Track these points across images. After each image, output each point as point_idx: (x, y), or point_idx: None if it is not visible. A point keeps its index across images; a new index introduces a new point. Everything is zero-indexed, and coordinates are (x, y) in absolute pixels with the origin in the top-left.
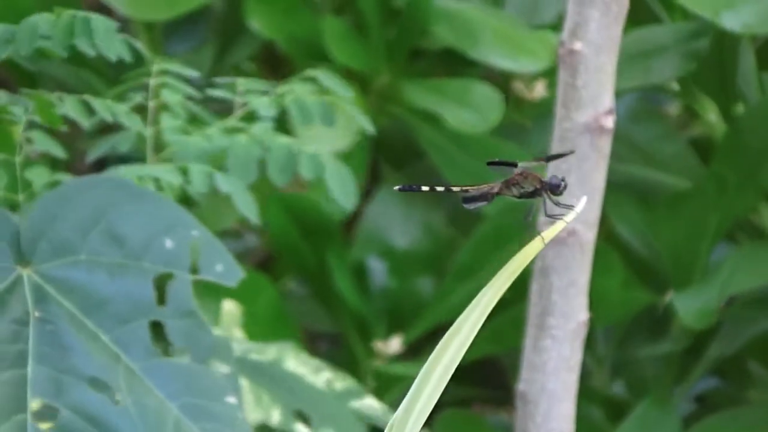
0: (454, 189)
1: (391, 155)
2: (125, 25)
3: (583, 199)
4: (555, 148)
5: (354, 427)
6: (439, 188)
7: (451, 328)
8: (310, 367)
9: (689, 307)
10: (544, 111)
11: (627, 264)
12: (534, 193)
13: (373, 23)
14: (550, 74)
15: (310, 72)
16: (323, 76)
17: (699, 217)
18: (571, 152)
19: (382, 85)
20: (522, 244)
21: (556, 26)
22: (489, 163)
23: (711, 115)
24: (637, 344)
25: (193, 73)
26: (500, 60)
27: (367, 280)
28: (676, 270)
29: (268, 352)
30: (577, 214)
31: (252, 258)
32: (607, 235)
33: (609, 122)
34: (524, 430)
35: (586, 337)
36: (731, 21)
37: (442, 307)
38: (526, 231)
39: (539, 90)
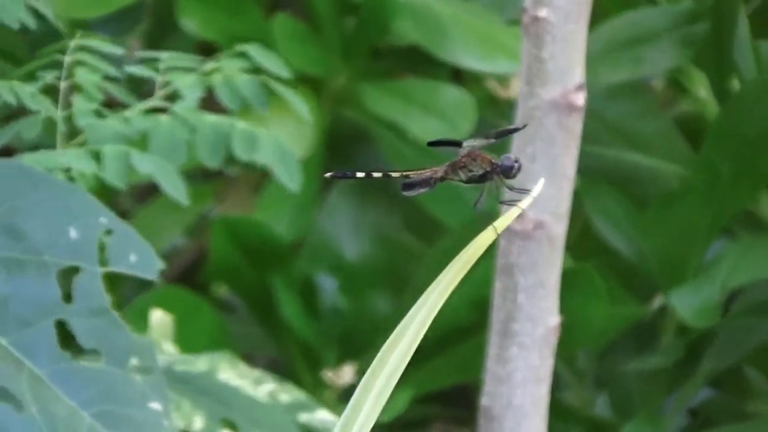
0: (393, 174)
1: (348, 166)
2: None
3: (541, 182)
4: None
5: None
6: (377, 174)
7: (392, 336)
8: (249, 379)
9: (689, 304)
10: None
11: (607, 265)
12: (484, 177)
13: (328, 19)
14: None
15: (242, 47)
16: (256, 52)
17: (689, 215)
18: (524, 126)
19: (338, 88)
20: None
21: None
22: (430, 144)
23: (700, 89)
24: (623, 357)
25: (116, 50)
26: (472, 60)
27: (315, 299)
28: (666, 273)
29: (199, 363)
30: (534, 199)
31: (179, 260)
32: (582, 230)
33: (579, 99)
34: None
35: (563, 349)
36: None
37: None
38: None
39: (516, 88)
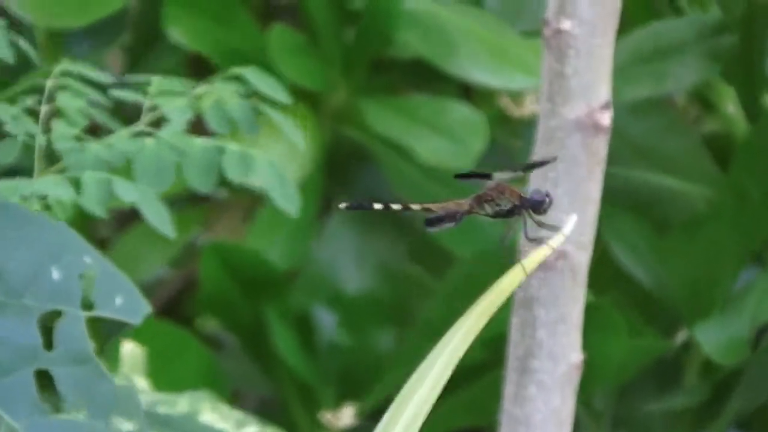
0: (414, 207)
1: (348, 189)
2: (24, 31)
3: (573, 218)
4: (539, 153)
5: None
6: (395, 206)
7: (408, 384)
8: (232, 421)
9: (715, 339)
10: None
11: (625, 296)
12: (512, 212)
13: (327, 29)
14: None
15: (237, 70)
16: (253, 75)
17: (716, 240)
18: (554, 159)
19: (337, 104)
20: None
21: None
22: (457, 176)
23: (729, 105)
24: (643, 396)
25: (104, 77)
26: (484, 74)
27: (312, 334)
28: (690, 304)
29: (180, 404)
30: (566, 237)
31: (163, 292)
32: (599, 257)
33: (605, 119)
34: None
35: (579, 388)
36: None
37: (405, 368)
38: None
39: (530, 105)
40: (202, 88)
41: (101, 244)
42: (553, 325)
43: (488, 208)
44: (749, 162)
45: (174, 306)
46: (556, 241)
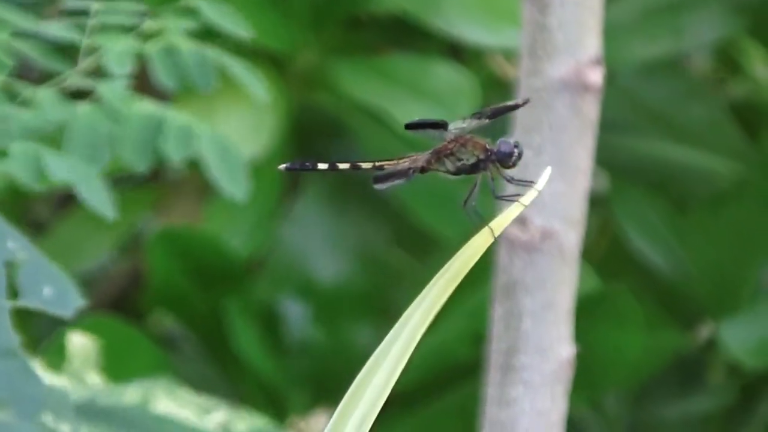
0: (364, 166)
1: (319, 160)
2: None
3: (548, 171)
4: (521, 115)
5: None
6: (343, 165)
7: (365, 369)
8: (194, 407)
9: (743, 339)
10: None
11: (642, 285)
12: (476, 166)
13: None
14: None
15: (191, 1)
16: (210, 8)
17: (744, 221)
18: (526, 102)
19: (307, 67)
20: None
21: None
22: (407, 126)
23: (758, 66)
24: (663, 399)
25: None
26: (473, 31)
27: (280, 330)
28: (715, 295)
29: (128, 394)
30: (539, 194)
31: (109, 284)
32: (611, 241)
33: (595, 76)
34: None
35: (588, 390)
36: None
37: None
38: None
39: None
40: (149, 24)
41: (37, 229)
42: (541, 315)
43: (448, 164)
44: None
45: (122, 300)
46: (528, 196)
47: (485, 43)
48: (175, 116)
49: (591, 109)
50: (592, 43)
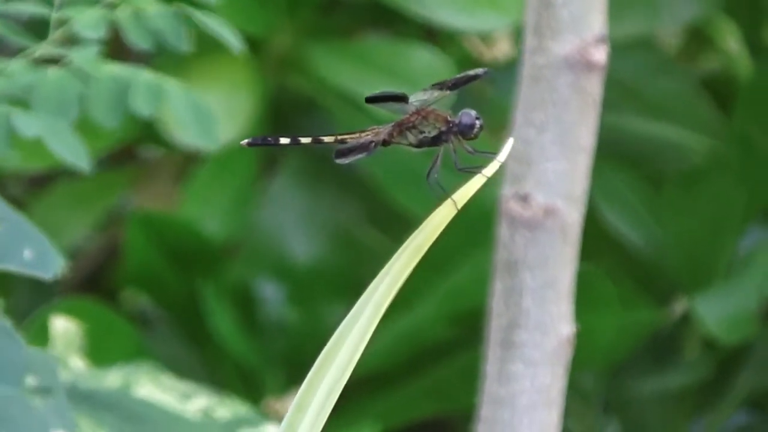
0: (326, 140)
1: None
2: None
3: (510, 142)
4: (524, 93)
5: None
6: (304, 140)
7: (327, 346)
8: (176, 393)
9: (718, 313)
10: (510, 75)
11: (616, 262)
12: (438, 138)
13: None
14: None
15: None
16: None
17: (718, 197)
18: (485, 72)
19: (282, 50)
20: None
21: None
22: (368, 100)
23: (731, 42)
24: (637, 375)
25: None
26: (451, 15)
27: (255, 311)
28: (689, 271)
29: (110, 379)
30: (501, 165)
31: (84, 263)
32: (586, 218)
33: (600, 55)
34: None
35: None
36: None
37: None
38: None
39: (503, 47)
40: None
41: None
42: (542, 292)
43: (411, 137)
44: (754, 106)
45: (97, 278)
46: (491, 167)
47: (460, 26)
48: (144, 74)
49: (594, 88)
50: (597, 21)
